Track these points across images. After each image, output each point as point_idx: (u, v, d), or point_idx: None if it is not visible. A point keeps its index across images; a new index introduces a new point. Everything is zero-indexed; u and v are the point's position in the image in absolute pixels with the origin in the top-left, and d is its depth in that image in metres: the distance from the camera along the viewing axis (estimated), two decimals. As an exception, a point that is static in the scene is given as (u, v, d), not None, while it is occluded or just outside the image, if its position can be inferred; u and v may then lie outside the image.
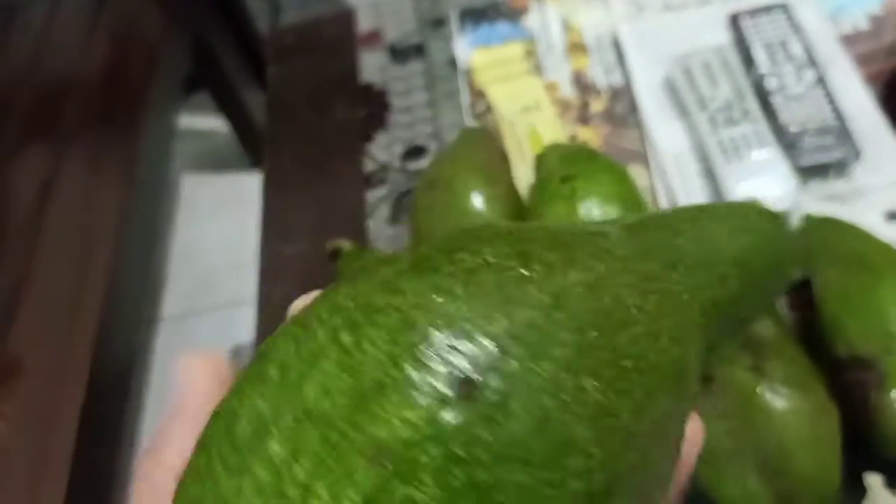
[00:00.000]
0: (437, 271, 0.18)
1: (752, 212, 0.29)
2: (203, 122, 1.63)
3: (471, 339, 0.17)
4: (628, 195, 0.49)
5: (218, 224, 1.53)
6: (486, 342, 0.17)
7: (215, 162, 1.67)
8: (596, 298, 0.19)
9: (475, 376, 0.16)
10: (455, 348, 0.17)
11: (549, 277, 0.19)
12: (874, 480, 0.39)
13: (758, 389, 0.39)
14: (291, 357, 0.17)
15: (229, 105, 1.49)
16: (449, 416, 0.16)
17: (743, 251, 0.27)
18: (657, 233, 0.24)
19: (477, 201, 0.52)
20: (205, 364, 0.22)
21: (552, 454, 0.16)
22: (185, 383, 0.22)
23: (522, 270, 0.19)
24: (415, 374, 0.16)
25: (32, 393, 0.85)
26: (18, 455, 0.80)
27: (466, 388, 0.16)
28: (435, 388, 0.16)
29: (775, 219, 0.30)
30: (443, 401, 0.16)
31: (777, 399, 0.39)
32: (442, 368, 0.16)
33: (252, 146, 1.52)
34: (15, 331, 0.90)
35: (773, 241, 0.29)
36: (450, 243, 0.19)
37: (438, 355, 0.16)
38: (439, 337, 0.17)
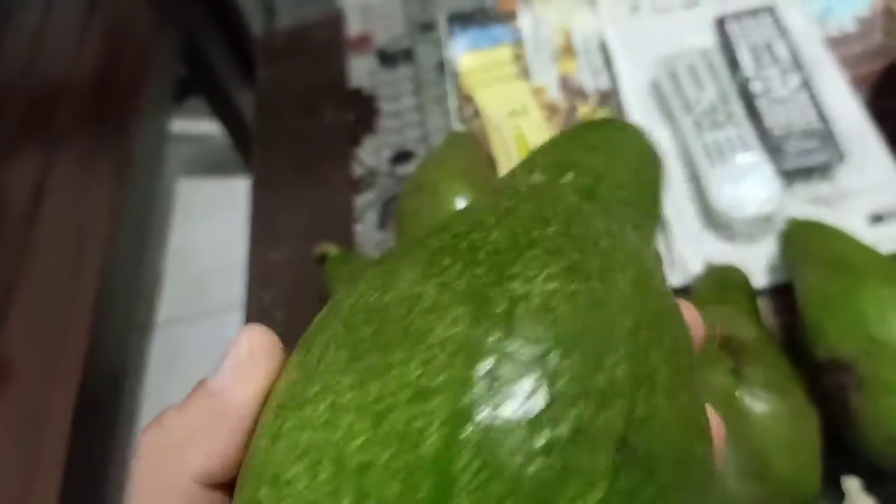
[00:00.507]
0: (511, 315, 0.17)
1: (614, 131, 0.29)
2: (197, 126, 1.63)
3: (601, 397, 0.16)
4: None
5: (212, 228, 1.53)
6: (617, 389, 0.16)
7: (210, 166, 1.67)
8: (645, 297, 0.19)
9: (623, 437, 0.16)
10: (594, 404, 0.16)
11: (612, 291, 0.18)
12: (853, 484, 0.39)
13: (737, 393, 0.39)
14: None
15: (223, 109, 1.49)
16: (623, 486, 0.16)
17: (637, 171, 0.27)
18: (598, 186, 0.24)
19: (461, 205, 0.52)
20: (267, 355, 0.20)
21: (695, 479, 0.17)
22: (239, 380, 0.20)
23: (587, 288, 0.18)
24: (574, 459, 0.15)
25: (24, 395, 0.85)
26: (10, 457, 0.80)
27: (623, 451, 0.16)
28: (598, 465, 0.15)
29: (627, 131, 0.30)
30: (610, 476, 0.15)
31: (756, 403, 0.39)
32: (594, 437, 0.16)
33: (246, 150, 1.53)
34: (6, 332, 0.90)
35: (643, 151, 0.29)
36: (492, 265, 0.18)
37: (582, 424, 0.16)
38: (569, 402, 0.16)
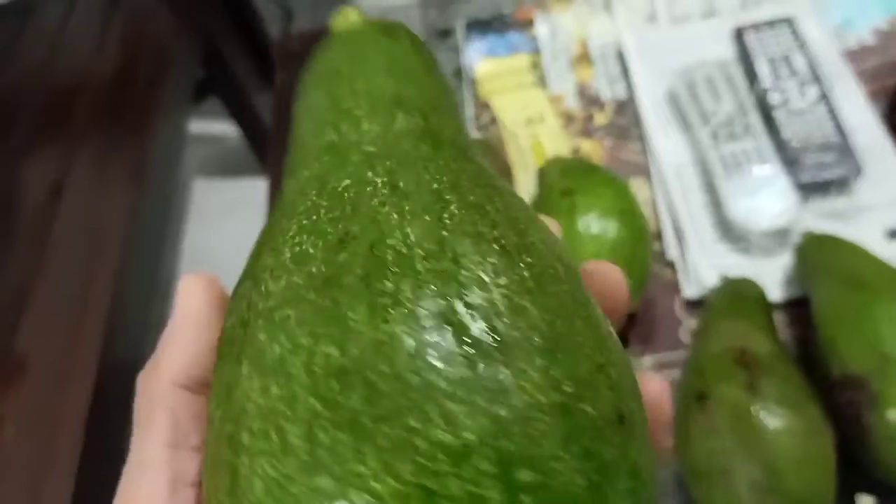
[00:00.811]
0: (499, 338, 0.17)
1: (386, 39, 0.27)
2: (214, 126, 1.64)
3: (591, 383, 0.18)
4: (627, 209, 0.50)
5: (227, 228, 1.53)
6: (596, 363, 0.18)
7: (226, 166, 1.68)
8: (554, 251, 0.20)
9: (618, 411, 0.17)
10: (592, 395, 0.17)
11: (540, 259, 0.19)
12: (866, 501, 0.39)
13: (752, 408, 0.39)
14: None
15: (240, 110, 1.50)
16: (632, 454, 0.17)
17: (433, 80, 0.26)
18: (429, 122, 0.23)
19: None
20: (202, 285, 0.23)
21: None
22: (182, 303, 0.23)
23: (526, 270, 0.19)
24: (604, 456, 0.17)
25: (38, 392, 0.86)
26: (23, 454, 0.80)
27: (622, 422, 0.17)
28: (616, 450, 0.17)
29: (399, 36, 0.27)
30: (624, 453, 0.17)
31: (771, 418, 0.39)
32: (606, 428, 0.17)
33: (263, 151, 1.53)
34: (22, 329, 0.91)
35: (421, 51, 0.27)
36: (438, 276, 0.18)
37: (597, 423, 0.17)
38: (580, 407, 0.17)
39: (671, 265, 0.54)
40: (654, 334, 0.52)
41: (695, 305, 0.52)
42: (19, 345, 0.89)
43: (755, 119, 0.57)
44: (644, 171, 0.60)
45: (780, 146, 0.55)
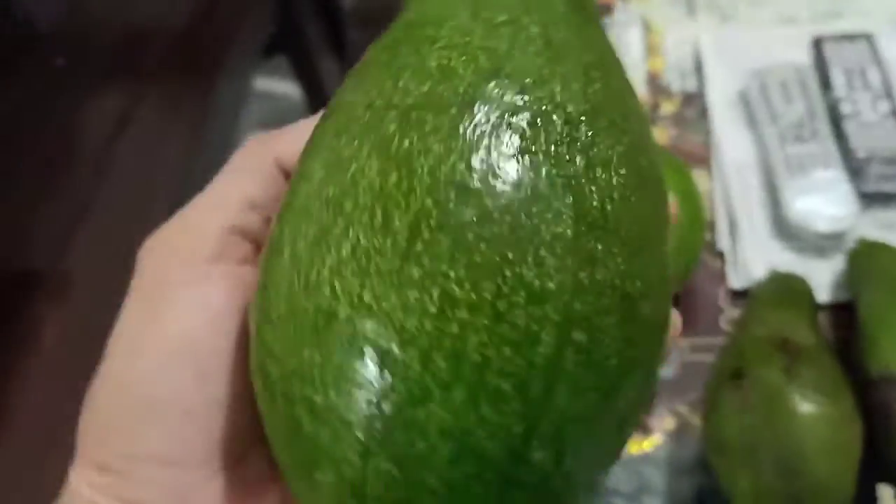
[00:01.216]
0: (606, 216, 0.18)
1: None
2: (277, 84, 1.66)
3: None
4: (688, 189, 0.50)
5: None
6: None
7: (284, 125, 1.70)
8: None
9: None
10: None
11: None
12: (886, 492, 0.40)
13: (787, 390, 0.40)
14: None
15: (305, 71, 1.52)
16: None
17: None
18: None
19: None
20: None
21: None
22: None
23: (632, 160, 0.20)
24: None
25: (81, 312, 0.88)
26: (62, 371, 0.83)
27: (664, 328, 0.21)
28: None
29: None
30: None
31: (804, 403, 0.39)
32: None
33: (321, 114, 1.55)
34: (74, 247, 0.93)
35: None
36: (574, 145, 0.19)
37: None
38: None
39: (720, 255, 0.55)
40: (694, 319, 0.53)
41: (739, 296, 0.52)
42: (70, 261, 0.91)
43: (824, 125, 0.57)
44: (704, 163, 0.60)
45: (847, 154, 0.55)
